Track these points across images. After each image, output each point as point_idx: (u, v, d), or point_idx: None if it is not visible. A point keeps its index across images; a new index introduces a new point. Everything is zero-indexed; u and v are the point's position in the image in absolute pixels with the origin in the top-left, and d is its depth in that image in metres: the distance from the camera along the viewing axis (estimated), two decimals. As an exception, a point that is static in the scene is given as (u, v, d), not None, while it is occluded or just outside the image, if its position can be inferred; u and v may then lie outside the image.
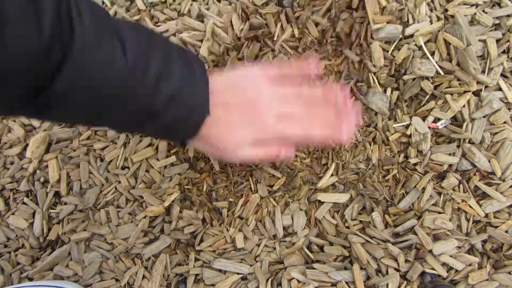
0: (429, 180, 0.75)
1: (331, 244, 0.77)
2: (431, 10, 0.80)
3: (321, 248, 0.77)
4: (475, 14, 0.77)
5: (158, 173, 0.80)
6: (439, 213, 0.74)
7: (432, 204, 0.75)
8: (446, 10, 0.78)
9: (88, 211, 0.80)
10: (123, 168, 0.82)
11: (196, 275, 0.77)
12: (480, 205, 0.74)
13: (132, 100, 0.43)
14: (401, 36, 0.78)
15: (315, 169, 0.80)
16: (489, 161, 0.74)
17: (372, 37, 0.77)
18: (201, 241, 0.79)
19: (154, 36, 0.47)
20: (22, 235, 0.81)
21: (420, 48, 0.77)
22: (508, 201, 0.73)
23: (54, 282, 0.74)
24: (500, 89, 0.77)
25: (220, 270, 0.76)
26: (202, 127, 0.50)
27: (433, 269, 0.71)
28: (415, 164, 0.78)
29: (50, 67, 0.35)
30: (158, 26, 0.87)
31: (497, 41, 0.78)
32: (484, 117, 0.75)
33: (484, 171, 0.75)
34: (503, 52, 0.78)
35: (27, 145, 0.83)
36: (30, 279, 0.79)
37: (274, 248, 0.78)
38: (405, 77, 0.77)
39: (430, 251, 0.72)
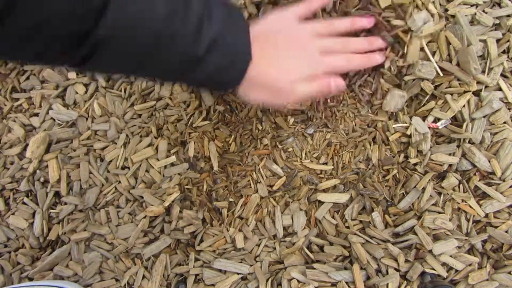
0: (429, 180, 0.75)
1: (331, 244, 0.77)
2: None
3: (321, 248, 0.77)
4: (475, 14, 0.77)
5: (158, 173, 0.80)
6: (439, 213, 0.74)
7: (432, 204, 0.75)
8: (446, 10, 0.78)
9: (88, 211, 0.80)
10: (123, 168, 0.82)
11: (196, 275, 0.77)
12: (480, 205, 0.74)
13: (175, 44, 0.42)
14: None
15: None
16: (489, 161, 0.74)
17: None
18: (201, 241, 0.79)
19: None
20: (22, 235, 0.81)
21: (422, 49, 0.76)
22: (508, 201, 0.73)
23: (54, 282, 0.74)
24: (500, 89, 0.77)
25: (220, 270, 0.76)
26: (249, 69, 0.49)
27: (433, 269, 0.71)
28: (415, 164, 0.78)
29: (93, 12, 0.35)
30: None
31: (497, 41, 0.77)
32: (484, 117, 0.75)
33: (484, 171, 0.75)
34: (503, 52, 0.78)
35: (27, 145, 0.83)
36: (31, 279, 0.79)
37: (274, 248, 0.78)
38: (406, 78, 0.77)
39: (430, 251, 0.72)
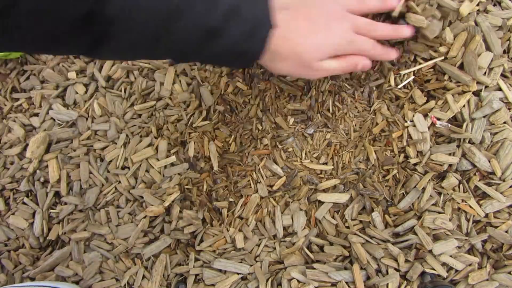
0: (429, 180, 0.75)
1: (331, 244, 0.77)
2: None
3: (321, 248, 0.77)
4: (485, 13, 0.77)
5: (158, 173, 0.80)
6: (439, 213, 0.74)
7: (432, 204, 0.75)
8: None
9: (88, 211, 0.80)
10: (123, 168, 0.82)
11: (196, 275, 0.77)
12: (480, 205, 0.74)
13: (190, 15, 0.40)
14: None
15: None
16: (489, 161, 0.74)
17: None
18: (201, 241, 0.79)
19: None
20: (22, 235, 0.81)
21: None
22: (508, 201, 0.73)
23: (55, 283, 0.74)
24: (500, 89, 0.77)
25: (220, 270, 0.76)
26: (273, 38, 0.46)
27: (433, 269, 0.71)
28: (415, 164, 0.78)
29: None
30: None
31: (497, 41, 0.78)
32: (484, 117, 0.75)
33: (484, 171, 0.75)
34: (503, 52, 0.78)
35: (27, 145, 0.83)
36: (32, 279, 0.79)
37: (274, 248, 0.78)
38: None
39: (430, 251, 0.72)
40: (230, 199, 0.82)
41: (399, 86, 0.82)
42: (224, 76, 0.86)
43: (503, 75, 0.78)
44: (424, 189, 0.75)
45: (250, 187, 0.82)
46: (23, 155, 0.84)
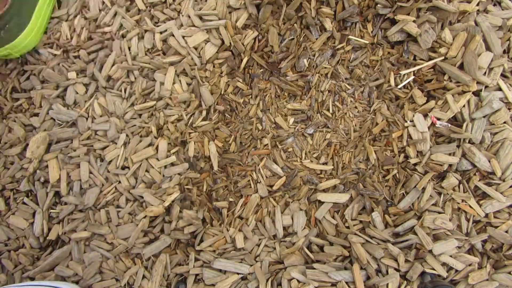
0: (429, 180, 0.75)
1: (331, 244, 0.77)
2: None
3: (321, 248, 0.77)
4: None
5: (158, 173, 0.80)
6: (439, 213, 0.74)
7: (432, 204, 0.75)
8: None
9: (88, 211, 0.80)
10: (123, 168, 0.82)
11: (196, 275, 0.77)
12: (480, 205, 0.74)
13: None
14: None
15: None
16: (489, 161, 0.74)
17: None
18: (201, 241, 0.79)
19: None
20: (22, 235, 0.81)
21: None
22: (508, 201, 0.73)
23: (55, 283, 0.74)
24: (500, 89, 0.77)
25: (220, 270, 0.76)
26: None
27: (433, 269, 0.71)
28: (415, 164, 0.78)
29: None
30: (158, 26, 0.87)
31: (497, 41, 0.78)
32: (484, 117, 0.75)
33: (484, 171, 0.75)
34: (504, 52, 0.78)
35: (27, 145, 0.83)
36: (32, 279, 0.79)
37: (274, 248, 0.78)
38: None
39: (430, 251, 0.72)
40: (230, 199, 0.82)
41: (399, 86, 0.82)
42: (224, 76, 0.87)
43: (503, 75, 0.78)
44: (424, 189, 0.75)
45: (250, 187, 0.82)
46: (23, 155, 0.84)
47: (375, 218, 0.76)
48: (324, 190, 0.80)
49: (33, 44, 0.88)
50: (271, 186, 0.81)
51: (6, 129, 0.87)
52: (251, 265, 0.76)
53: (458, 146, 0.76)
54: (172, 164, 0.81)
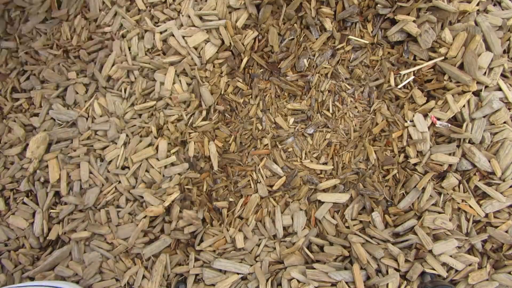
0: (429, 180, 0.75)
1: (331, 244, 0.77)
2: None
3: (321, 248, 0.77)
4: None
5: (158, 173, 0.80)
6: (439, 213, 0.74)
7: (432, 204, 0.75)
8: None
9: (88, 211, 0.80)
10: (123, 168, 0.82)
11: (196, 275, 0.77)
12: (480, 205, 0.74)
13: None
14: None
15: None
16: (489, 161, 0.74)
17: None
18: (201, 241, 0.79)
19: None
20: (22, 235, 0.81)
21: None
22: (508, 201, 0.73)
23: (55, 283, 0.74)
24: (500, 89, 0.77)
25: (220, 270, 0.76)
26: None
27: (433, 269, 0.71)
28: (415, 164, 0.78)
29: None
30: (158, 26, 0.87)
31: (497, 41, 0.78)
32: (484, 117, 0.75)
33: (484, 171, 0.75)
34: (504, 52, 0.78)
35: (27, 145, 0.83)
36: (32, 279, 0.79)
37: (274, 248, 0.78)
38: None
39: (430, 251, 0.72)
40: (230, 199, 0.82)
41: (399, 86, 0.82)
42: (224, 76, 0.86)
43: (503, 75, 0.78)
44: (424, 189, 0.75)
45: (250, 187, 0.82)
46: (23, 155, 0.84)
47: (375, 218, 0.76)
48: (324, 190, 0.80)
49: None
50: (271, 186, 0.81)
51: (6, 129, 0.87)
52: (251, 265, 0.76)
53: (458, 146, 0.76)
54: (172, 164, 0.81)
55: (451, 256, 0.72)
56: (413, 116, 0.78)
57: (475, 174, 0.75)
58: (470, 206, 0.74)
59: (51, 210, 0.81)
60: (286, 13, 0.84)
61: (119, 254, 0.79)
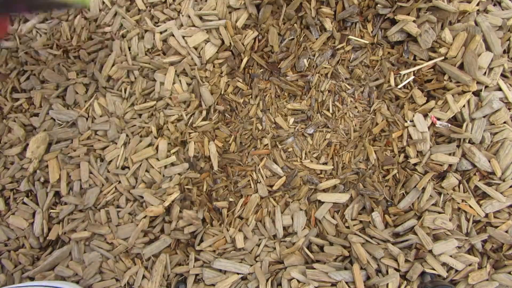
0: (429, 180, 0.75)
1: (331, 244, 0.77)
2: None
3: (321, 248, 0.77)
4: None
5: (158, 173, 0.80)
6: (439, 213, 0.74)
7: (432, 204, 0.75)
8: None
9: (88, 211, 0.80)
10: (123, 168, 0.82)
11: (196, 275, 0.77)
12: (480, 205, 0.74)
13: None
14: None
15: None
16: (489, 161, 0.74)
17: None
18: (201, 241, 0.79)
19: None
20: (22, 235, 0.81)
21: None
22: (508, 201, 0.73)
23: (55, 283, 0.74)
24: (500, 89, 0.77)
25: (220, 270, 0.76)
26: None
27: (433, 269, 0.71)
28: (415, 164, 0.78)
29: None
30: (158, 26, 0.87)
31: (497, 41, 0.78)
32: (484, 117, 0.75)
33: (484, 171, 0.75)
34: (504, 52, 0.78)
35: (27, 145, 0.83)
36: (32, 279, 0.79)
37: (274, 248, 0.78)
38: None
39: (430, 251, 0.72)
40: (230, 199, 0.82)
41: (399, 86, 0.82)
42: (224, 76, 0.86)
43: (503, 75, 0.78)
44: (424, 189, 0.75)
45: (250, 187, 0.82)
46: (23, 155, 0.84)
47: (375, 218, 0.76)
48: (324, 190, 0.80)
49: None
50: (271, 186, 0.81)
51: (6, 129, 0.87)
52: (251, 265, 0.76)
53: (458, 146, 0.76)
54: (172, 164, 0.81)
55: (451, 256, 0.72)
56: (413, 116, 0.78)
57: (475, 174, 0.75)
58: (470, 206, 0.74)
59: (51, 210, 0.81)
60: (286, 13, 0.84)
61: (119, 254, 0.79)
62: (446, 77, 0.78)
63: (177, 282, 0.77)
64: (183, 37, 0.83)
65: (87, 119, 0.85)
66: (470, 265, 0.73)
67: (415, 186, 0.75)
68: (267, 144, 0.84)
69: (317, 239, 0.77)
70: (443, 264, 0.72)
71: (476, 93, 0.77)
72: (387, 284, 0.71)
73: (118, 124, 0.83)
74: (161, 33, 0.85)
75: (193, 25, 0.84)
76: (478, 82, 0.76)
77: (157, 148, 0.81)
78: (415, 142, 0.77)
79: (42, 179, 0.82)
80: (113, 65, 0.85)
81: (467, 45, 0.76)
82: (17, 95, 0.89)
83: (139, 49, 0.86)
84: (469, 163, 0.75)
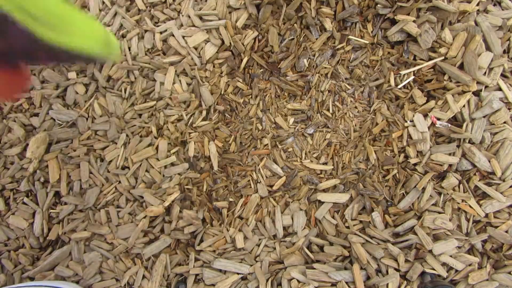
0: (429, 180, 0.75)
1: (331, 244, 0.77)
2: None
3: (321, 248, 0.77)
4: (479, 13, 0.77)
5: (158, 173, 0.80)
6: (439, 213, 0.74)
7: (432, 204, 0.75)
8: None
9: (88, 211, 0.80)
10: (123, 168, 0.82)
11: (196, 275, 0.77)
12: (480, 205, 0.74)
13: None
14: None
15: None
16: (489, 161, 0.74)
17: None
18: (201, 241, 0.79)
19: None
20: (22, 235, 0.81)
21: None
22: (508, 201, 0.73)
23: (55, 283, 0.74)
24: (500, 89, 0.77)
25: (220, 270, 0.76)
26: None
27: (433, 269, 0.71)
28: (415, 164, 0.78)
29: None
30: (158, 26, 0.87)
31: (497, 41, 0.78)
32: (484, 117, 0.75)
33: (484, 171, 0.75)
34: (504, 52, 0.78)
35: (27, 145, 0.83)
36: (31, 279, 0.79)
37: (274, 248, 0.78)
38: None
39: (430, 251, 0.72)
40: (230, 199, 0.82)
41: (399, 86, 0.82)
42: (224, 76, 0.86)
43: (503, 75, 0.78)
44: (424, 189, 0.75)
45: (250, 187, 0.82)
46: (23, 155, 0.84)
47: (375, 218, 0.76)
48: (324, 190, 0.80)
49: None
50: (271, 186, 0.81)
51: (6, 129, 0.86)
52: (251, 265, 0.76)
53: (458, 146, 0.76)
54: (172, 164, 0.81)
55: (451, 256, 0.72)
56: (413, 116, 0.78)
57: (475, 174, 0.75)
58: (470, 206, 0.74)
59: (51, 210, 0.81)
60: (286, 13, 0.84)
61: (119, 254, 0.79)
62: (446, 77, 0.78)
63: (177, 282, 0.77)
64: (183, 37, 0.83)
65: (87, 119, 0.85)
66: (470, 265, 0.73)
67: (415, 186, 0.75)
68: (267, 144, 0.84)
69: (317, 239, 0.77)
70: (443, 264, 0.72)
71: (476, 93, 0.77)
72: (387, 284, 0.71)
73: (118, 124, 0.83)
74: (161, 33, 0.85)
75: (193, 25, 0.84)
76: (478, 82, 0.76)
77: (157, 148, 0.81)
78: (415, 142, 0.77)
79: (42, 179, 0.82)
80: (113, 65, 0.85)
81: (467, 45, 0.76)
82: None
83: (139, 49, 0.86)
84: (469, 163, 0.75)
